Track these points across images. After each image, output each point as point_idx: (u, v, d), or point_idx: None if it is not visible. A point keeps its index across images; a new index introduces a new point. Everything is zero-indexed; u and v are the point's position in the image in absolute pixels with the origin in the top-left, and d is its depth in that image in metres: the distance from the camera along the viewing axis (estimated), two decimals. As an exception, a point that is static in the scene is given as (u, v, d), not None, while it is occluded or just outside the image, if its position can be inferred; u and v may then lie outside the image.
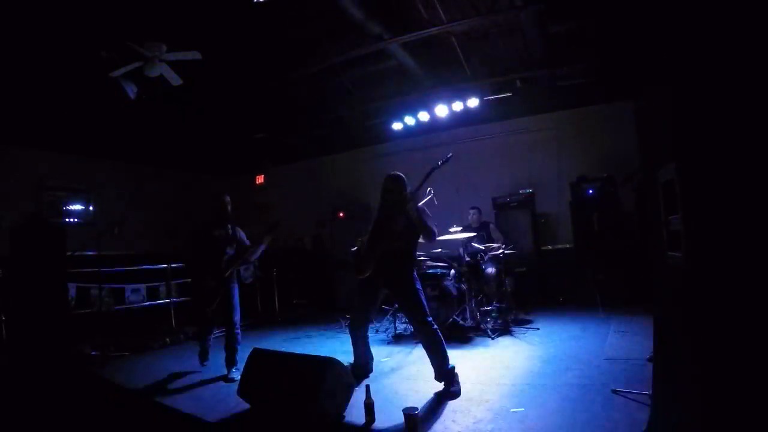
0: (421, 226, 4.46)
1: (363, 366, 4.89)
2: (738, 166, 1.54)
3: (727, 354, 1.55)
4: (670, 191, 1.86)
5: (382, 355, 5.60)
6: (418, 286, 4.54)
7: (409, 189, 4.62)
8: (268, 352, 4.41)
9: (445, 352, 4.34)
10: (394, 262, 4.52)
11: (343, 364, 3.85)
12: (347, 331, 7.37)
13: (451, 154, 4.87)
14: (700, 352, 1.65)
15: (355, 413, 3.76)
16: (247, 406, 4.14)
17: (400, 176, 4.65)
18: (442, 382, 4.27)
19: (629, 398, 3.61)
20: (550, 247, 9.28)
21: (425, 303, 4.54)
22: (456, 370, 4.32)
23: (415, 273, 4.64)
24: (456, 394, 4.15)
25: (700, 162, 1.60)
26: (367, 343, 4.93)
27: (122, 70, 6.22)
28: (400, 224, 4.49)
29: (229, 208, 6.23)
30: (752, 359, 1.50)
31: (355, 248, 4.83)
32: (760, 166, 1.50)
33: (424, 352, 4.42)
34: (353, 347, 4.89)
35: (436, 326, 4.42)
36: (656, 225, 2.02)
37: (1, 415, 4.64)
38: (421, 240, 4.66)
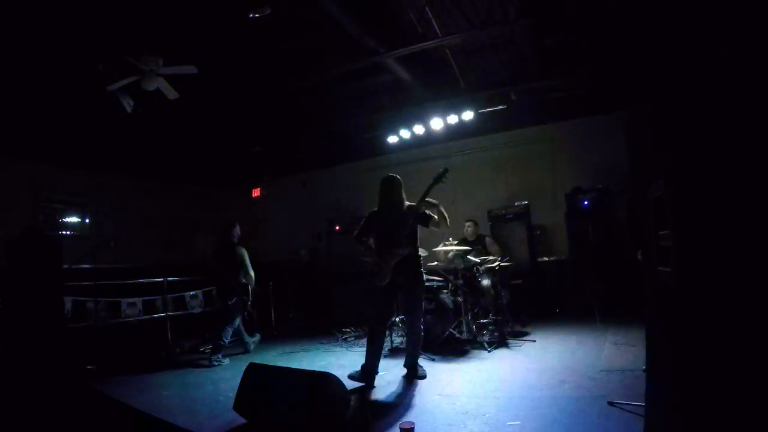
0: (441, 217, 5.14)
1: (371, 373, 5.04)
2: (726, 184, 1.56)
3: (715, 367, 1.57)
4: (659, 207, 1.88)
5: (380, 368, 5.59)
6: (423, 290, 5.32)
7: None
8: (264, 367, 4.40)
9: (420, 345, 5.31)
10: (409, 266, 5.04)
11: (338, 379, 3.85)
12: (343, 344, 7.44)
13: (446, 170, 5.21)
14: (689, 366, 1.67)
15: (351, 427, 3.74)
16: (243, 420, 4.12)
17: (397, 177, 5.26)
18: (408, 369, 5.21)
19: (625, 410, 3.60)
20: (546, 258, 9.28)
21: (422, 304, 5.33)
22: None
23: (424, 276, 5.32)
24: (423, 376, 5.13)
25: (688, 179, 1.62)
26: (381, 351, 5.21)
27: (119, 84, 6.26)
28: (406, 230, 4.97)
29: (233, 234, 7.49)
30: (739, 373, 1.52)
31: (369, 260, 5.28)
32: (747, 184, 1.52)
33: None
34: (368, 352, 5.09)
35: (423, 326, 5.27)
36: (647, 240, 2.04)
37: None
38: (435, 228, 5.18)
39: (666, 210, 1.77)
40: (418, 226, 5.16)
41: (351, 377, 4.97)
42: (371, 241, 5.30)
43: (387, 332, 5.72)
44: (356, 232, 5.35)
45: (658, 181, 1.85)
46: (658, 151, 1.84)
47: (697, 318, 1.58)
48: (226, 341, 7.04)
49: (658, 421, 2.17)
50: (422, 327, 5.25)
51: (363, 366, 5.06)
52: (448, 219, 5.26)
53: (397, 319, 7.13)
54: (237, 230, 7.52)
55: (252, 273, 7.29)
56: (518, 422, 3.65)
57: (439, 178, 5.08)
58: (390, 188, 5.24)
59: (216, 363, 6.72)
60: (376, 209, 5.34)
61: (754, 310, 1.46)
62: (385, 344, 6.92)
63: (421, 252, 5.22)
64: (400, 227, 4.99)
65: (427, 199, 5.06)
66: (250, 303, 7.37)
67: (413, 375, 5.14)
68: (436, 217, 5.10)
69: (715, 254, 1.54)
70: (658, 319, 2.09)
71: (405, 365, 5.27)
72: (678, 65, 1.68)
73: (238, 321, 7.24)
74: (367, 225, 5.33)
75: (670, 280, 1.82)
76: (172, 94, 6.53)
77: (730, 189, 1.53)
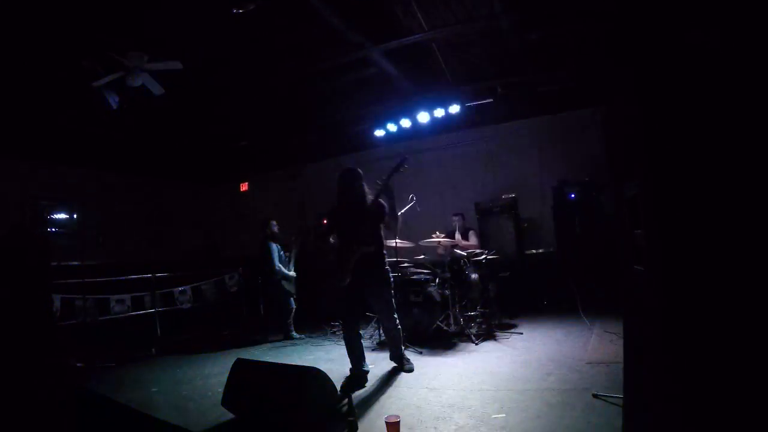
0: (391, 224, 4.90)
1: (359, 375, 4.93)
2: (695, 185, 1.59)
3: (686, 362, 1.61)
4: (634, 206, 1.92)
5: (367, 361, 5.63)
6: (392, 288, 5.07)
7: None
8: (252, 363, 4.43)
9: (401, 341, 5.31)
10: (371, 264, 4.84)
11: (325, 374, 3.88)
12: (332, 338, 7.47)
13: (404, 158, 4.97)
14: (661, 361, 1.71)
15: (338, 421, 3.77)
16: (231, 416, 4.15)
17: (357, 170, 5.02)
18: (395, 363, 5.24)
19: (609, 402, 3.66)
20: (533, 251, 9.34)
21: (394, 301, 5.12)
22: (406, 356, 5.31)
23: (390, 273, 5.07)
24: (411, 370, 5.11)
25: (660, 180, 1.65)
26: (362, 348, 5.05)
27: (104, 80, 6.23)
28: (368, 226, 4.77)
29: (268, 230, 8.19)
30: (710, 367, 1.56)
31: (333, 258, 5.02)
32: (716, 186, 1.55)
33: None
34: (350, 356, 4.98)
35: (398, 322, 5.17)
36: (623, 238, 2.09)
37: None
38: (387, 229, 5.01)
39: (639, 210, 1.81)
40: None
41: (343, 387, 4.63)
42: (333, 239, 5.06)
43: (369, 328, 5.62)
44: (319, 231, 5.28)
45: (633, 181, 1.89)
46: (631, 150, 1.88)
47: (667, 314, 1.63)
48: (293, 335, 7.91)
49: (635, 415, 2.22)
50: (398, 324, 5.16)
51: (350, 370, 4.97)
52: (399, 220, 5.13)
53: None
54: (271, 226, 8.10)
55: (277, 267, 7.96)
56: (503, 415, 3.70)
57: (397, 168, 4.84)
58: (350, 182, 4.94)
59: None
60: (337, 205, 5.09)
61: (722, 308, 1.50)
62: (373, 337, 7.00)
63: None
64: (363, 223, 4.77)
65: (383, 190, 4.82)
66: (294, 297, 8.14)
67: (400, 368, 5.19)
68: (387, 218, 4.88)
69: (684, 254, 1.58)
70: (633, 315, 2.13)
71: (391, 359, 5.33)
72: (648, 66, 1.71)
73: (291, 310, 8.07)
74: (330, 223, 5.14)
75: (643, 278, 1.86)
76: (157, 89, 6.51)
77: (699, 190, 1.57)
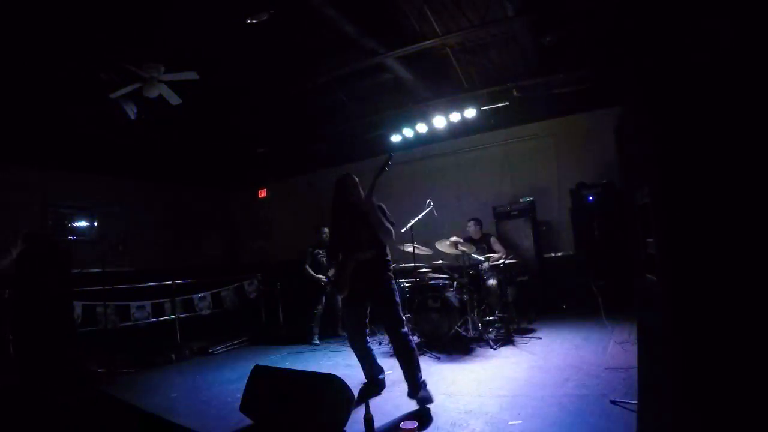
0: (377, 223, 4.37)
1: (374, 383, 4.88)
2: (709, 195, 1.57)
3: (699, 370, 1.60)
4: (646, 214, 1.90)
5: (384, 367, 5.62)
6: (397, 296, 4.49)
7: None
8: (270, 369, 4.46)
9: (419, 366, 4.37)
10: (371, 272, 4.43)
11: (342, 380, 3.88)
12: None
13: (390, 155, 4.67)
14: (674, 368, 1.70)
15: (355, 428, 3.77)
16: (249, 422, 4.18)
17: (351, 175, 4.80)
18: (416, 397, 4.25)
19: (627, 408, 3.63)
20: (552, 254, 9.28)
21: (401, 313, 4.52)
22: (427, 385, 4.34)
23: (393, 281, 4.55)
24: (426, 400, 4.20)
25: (671, 188, 1.63)
26: (373, 356, 4.89)
27: (121, 92, 6.33)
28: (366, 232, 4.43)
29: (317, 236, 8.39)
30: (724, 378, 1.55)
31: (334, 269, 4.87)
32: (734, 195, 1.54)
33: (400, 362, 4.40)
34: (361, 365, 4.88)
35: (411, 336, 4.48)
36: (636, 245, 2.07)
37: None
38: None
39: (650, 218, 1.80)
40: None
41: (360, 394, 4.56)
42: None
43: (367, 346, 5.01)
44: (328, 250, 5.02)
45: (644, 189, 1.87)
46: (643, 156, 1.86)
47: (678, 323, 1.61)
48: (314, 342, 7.99)
49: (649, 421, 2.20)
50: (408, 341, 4.37)
51: (364, 384, 4.89)
52: (388, 227, 4.45)
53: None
54: (321, 232, 8.22)
55: (309, 272, 8.20)
56: (520, 421, 3.69)
57: (383, 167, 4.52)
58: (345, 189, 4.74)
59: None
60: (333, 217, 4.85)
61: (734, 317, 1.49)
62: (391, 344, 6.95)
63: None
64: (360, 229, 4.46)
65: (371, 190, 4.47)
66: (322, 303, 8.16)
67: (413, 395, 4.31)
68: (383, 226, 4.43)
69: (695, 264, 1.56)
70: (646, 321, 2.12)
71: (409, 395, 4.35)
72: (662, 65, 1.69)
73: (316, 315, 8.13)
74: (335, 237, 4.82)
75: (656, 288, 1.84)
76: (175, 100, 6.60)
77: (714, 200, 1.55)
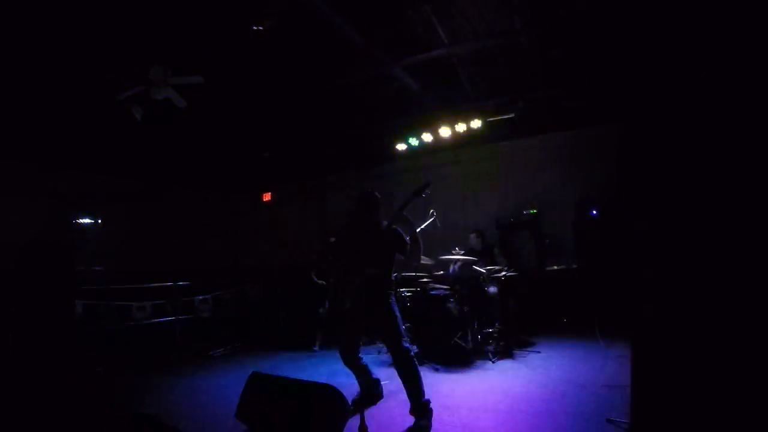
0: (413, 254, 4.37)
1: (370, 394, 4.87)
2: (704, 230, 1.57)
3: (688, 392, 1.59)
4: (642, 242, 1.89)
5: (383, 377, 5.60)
6: (397, 312, 4.40)
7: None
8: (266, 377, 4.45)
9: (422, 382, 4.20)
10: (373, 288, 4.36)
11: (336, 390, 3.87)
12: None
13: (428, 183, 4.49)
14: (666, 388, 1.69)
15: (350, 440, 3.77)
16: (244, 428, 4.17)
17: (375, 194, 4.67)
18: (415, 416, 4.10)
19: (622, 427, 3.61)
20: (555, 267, 9.23)
21: (403, 329, 4.40)
22: (430, 406, 4.15)
23: (393, 298, 4.49)
24: (424, 428, 4.02)
25: (668, 222, 1.63)
26: (367, 369, 4.85)
27: (128, 93, 6.38)
28: (378, 251, 4.38)
29: None
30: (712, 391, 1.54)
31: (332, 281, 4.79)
32: (727, 230, 1.53)
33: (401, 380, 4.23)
34: (355, 377, 4.85)
35: (413, 353, 4.31)
36: (634, 267, 2.06)
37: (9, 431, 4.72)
38: (404, 258, 4.45)
39: (647, 248, 1.79)
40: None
41: (355, 404, 4.59)
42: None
43: (360, 361, 4.92)
44: (323, 249, 4.96)
45: (642, 220, 1.86)
46: (641, 187, 1.85)
47: (670, 346, 1.60)
48: (314, 348, 8.04)
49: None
50: (409, 360, 4.22)
51: (360, 395, 4.87)
52: (422, 246, 4.44)
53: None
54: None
55: (314, 278, 8.09)
56: (515, 438, 3.67)
57: (419, 192, 4.39)
58: (368, 205, 4.64)
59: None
60: (347, 227, 4.83)
61: (725, 350, 1.48)
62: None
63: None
64: (374, 247, 4.39)
65: (404, 213, 4.41)
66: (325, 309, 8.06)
67: (417, 420, 4.11)
68: (408, 246, 4.38)
69: (692, 297, 1.55)
70: (641, 340, 2.10)
71: (411, 412, 4.17)
72: (659, 97, 1.69)
73: (315, 320, 8.17)
74: (337, 243, 4.91)
75: (651, 314, 1.83)
76: (181, 103, 6.64)
77: (709, 234, 1.55)
